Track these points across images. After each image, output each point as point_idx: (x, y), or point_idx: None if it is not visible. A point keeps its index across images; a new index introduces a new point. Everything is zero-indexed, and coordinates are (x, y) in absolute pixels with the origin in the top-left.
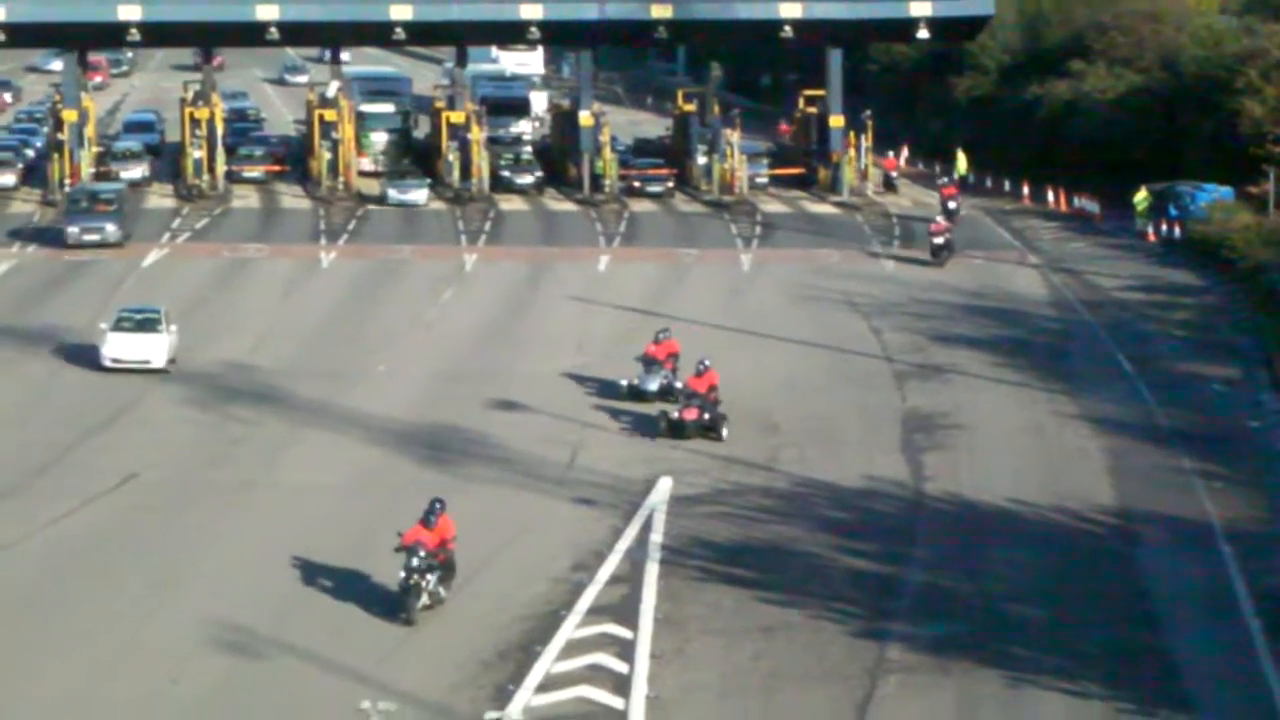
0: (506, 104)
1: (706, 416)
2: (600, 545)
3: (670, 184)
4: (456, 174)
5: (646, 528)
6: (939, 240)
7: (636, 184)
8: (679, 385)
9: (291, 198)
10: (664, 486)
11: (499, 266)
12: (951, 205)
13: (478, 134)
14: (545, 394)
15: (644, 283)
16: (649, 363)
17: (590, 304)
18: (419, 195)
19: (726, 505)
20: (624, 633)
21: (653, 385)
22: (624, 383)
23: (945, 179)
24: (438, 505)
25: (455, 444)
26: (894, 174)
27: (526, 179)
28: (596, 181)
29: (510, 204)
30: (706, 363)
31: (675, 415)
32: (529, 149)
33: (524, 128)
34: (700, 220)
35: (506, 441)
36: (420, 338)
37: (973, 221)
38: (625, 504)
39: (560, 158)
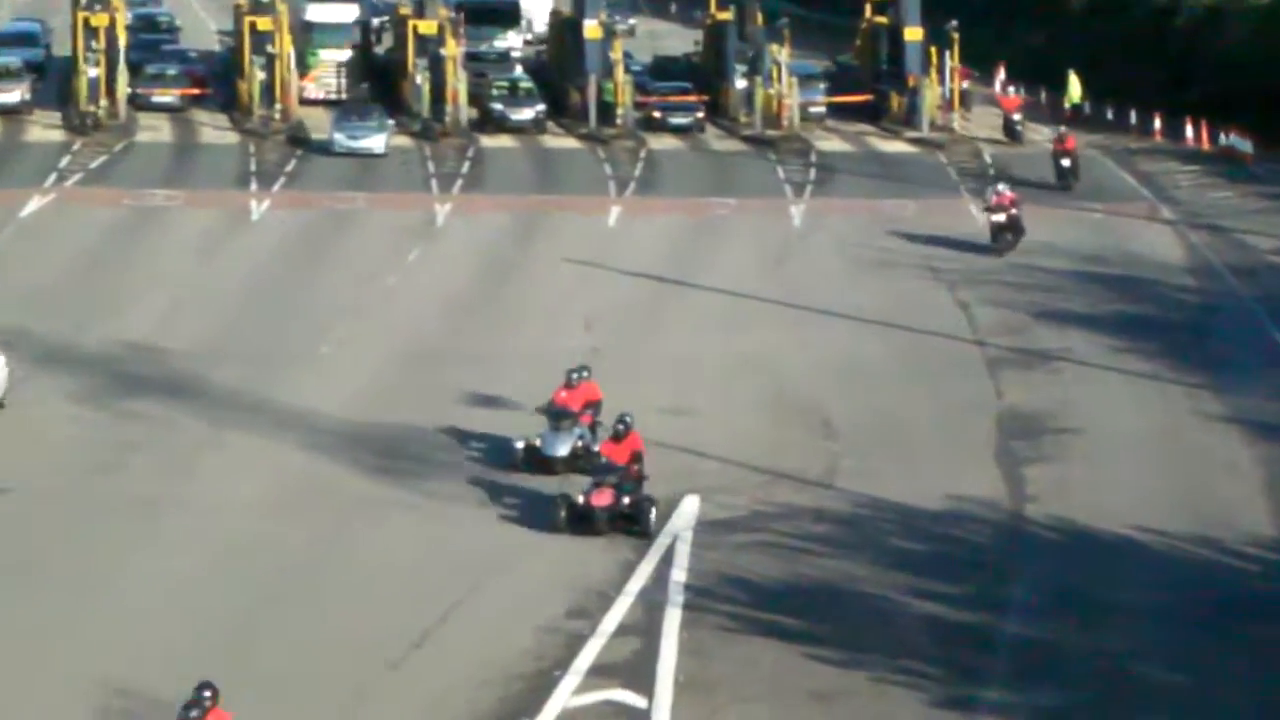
0: (491, 11)
1: (625, 501)
2: (605, 585)
3: (700, 115)
4: (426, 101)
5: (666, 562)
6: (999, 218)
7: (657, 115)
8: (596, 449)
9: (214, 130)
10: (688, 508)
11: (480, 220)
12: (1016, 119)
13: (454, 49)
14: (539, 385)
15: (665, 241)
16: (557, 414)
17: (597, 268)
18: (376, 142)
19: (768, 533)
20: (636, 700)
21: (561, 449)
22: (519, 444)
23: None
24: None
25: (420, 450)
26: (1017, 117)
27: (525, 114)
28: (606, 111)
29: (494, 140)
30: (629, 419)
31: (581, 500)
32: (527, 77)
33: (513, 42)
34: (738, 161)
35: (486, 447)
36: (377, 312)
37: (1089, 163)
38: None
39: (560, 81)
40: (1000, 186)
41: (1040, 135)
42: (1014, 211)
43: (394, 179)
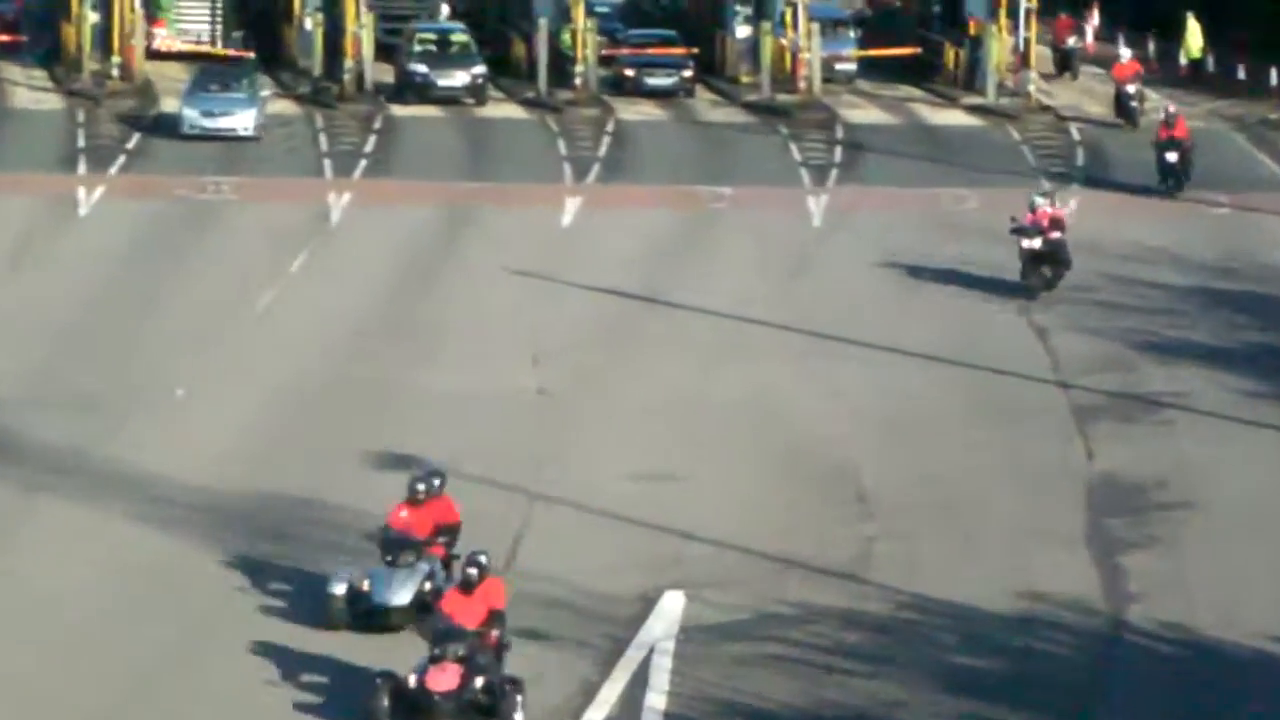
0: None
1: (478, 683)
2: (558, 715)
3: (688, 73)
4: (319, 54)
5: (639, 682)
6: (1033, 244)
7: (629, 73)
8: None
9: (30, 92)
10: (670, 608)
11: (389, 216)
12: (1130, 91)
13: None
14: (469, 441)
15: (639, 245)
16: (395, 543)
17: (547, 282)
18: (242, 120)
19: (778, 642)
20: None
21: (400, 594)
22: (337, 586)
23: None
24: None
25: (303, 528)
26: (1131, 89)
27: (457, 78)
28: (562, 69)
29: (412, 108)
30: (483, 560)
31: (414, 681)
32: (459, 26)
33: None
34: (739, 136)
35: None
36: (249, 340)
37: (1211, 140)
38: (604, 639)
39: (499, 28)
40: (1039, 198)
41: (1150, 106)
42: (1055, 235)
43: (274, 160)
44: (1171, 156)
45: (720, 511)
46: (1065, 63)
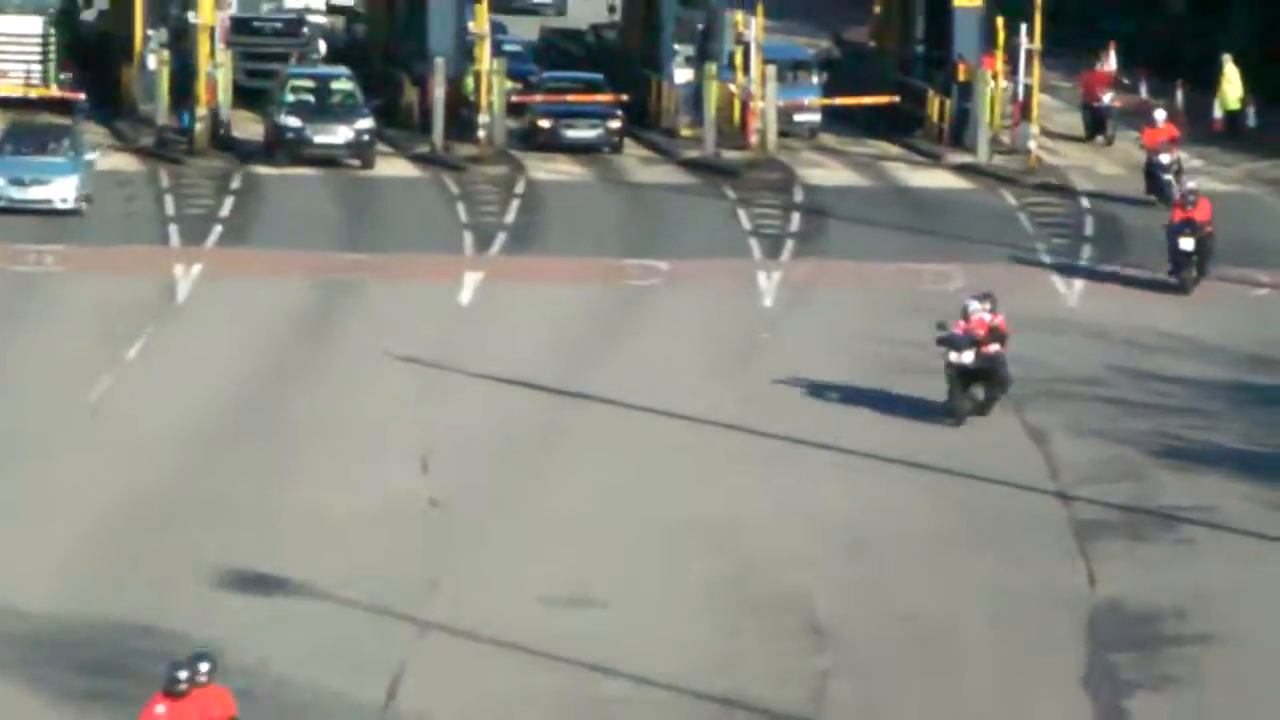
0: None
1: None
2: None
3: (616, 125)
4: (164, 99)
5: None
6: (963, 359)
7: (545, 124)
8: None
9: None
10: None
11: (249, 289)
12: (1164, 161)
13: (209, 17)
14: (345, 556)
15: (555, 328)
16: None
17: (442, 370)
18: (60, 189)
19: None
20: None
21: None
22: None
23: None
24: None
25: (139, 661)
26: (1165, 159)
27: (337, 134)
28: (459, 117)
29: (275, 166)
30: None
31: None
32: (345, 72)
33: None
34: (677, 200)
35: (255, 659)
36: (77, 439)
37: (1248, 207)
38: None
39: (386, 70)
40: (974, 303)
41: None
42: (992, 349)
43: (106, 225)
44: (1187, 244)
45: (648, 645)
46: (1099, 125)
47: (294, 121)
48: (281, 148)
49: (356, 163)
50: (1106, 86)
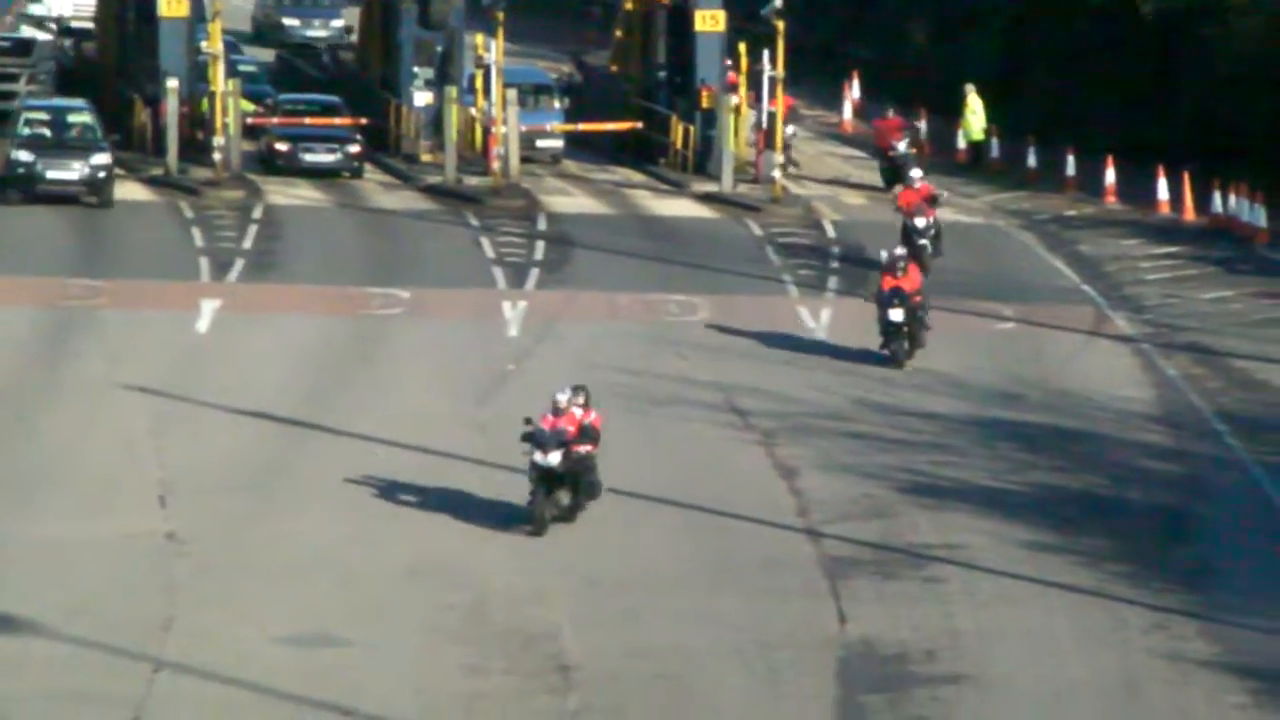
0: None
1: None
2: None
3: (355, 150)
4: None
5: None
6: (550, 461)
7: (282, 147)
8: None
9: None
10: None
11: None
12: (920, 225)
13: None
14: (76, 592)
15: (293, 358)
16: None
17: (179, 401)
18: None
19: None
20: None
21: None
22: None
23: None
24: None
25: None
26: (925, 225)
27: (73, 170)
28: (194, 140)
29: (6, 203)
30: None
31: None
32: (82, 104)
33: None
34: (418, 227)
35: None
36: None
37: (994, 240)
38: None
39: (113, 87)
40: (562, 396)
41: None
42: (583, 450)
43: None
44: (896, 314)
45: (389, 682)
46: (895, 174)
47: (25, 156)
48: (12, 184)
49: (93, 200)
50: (900, 133)
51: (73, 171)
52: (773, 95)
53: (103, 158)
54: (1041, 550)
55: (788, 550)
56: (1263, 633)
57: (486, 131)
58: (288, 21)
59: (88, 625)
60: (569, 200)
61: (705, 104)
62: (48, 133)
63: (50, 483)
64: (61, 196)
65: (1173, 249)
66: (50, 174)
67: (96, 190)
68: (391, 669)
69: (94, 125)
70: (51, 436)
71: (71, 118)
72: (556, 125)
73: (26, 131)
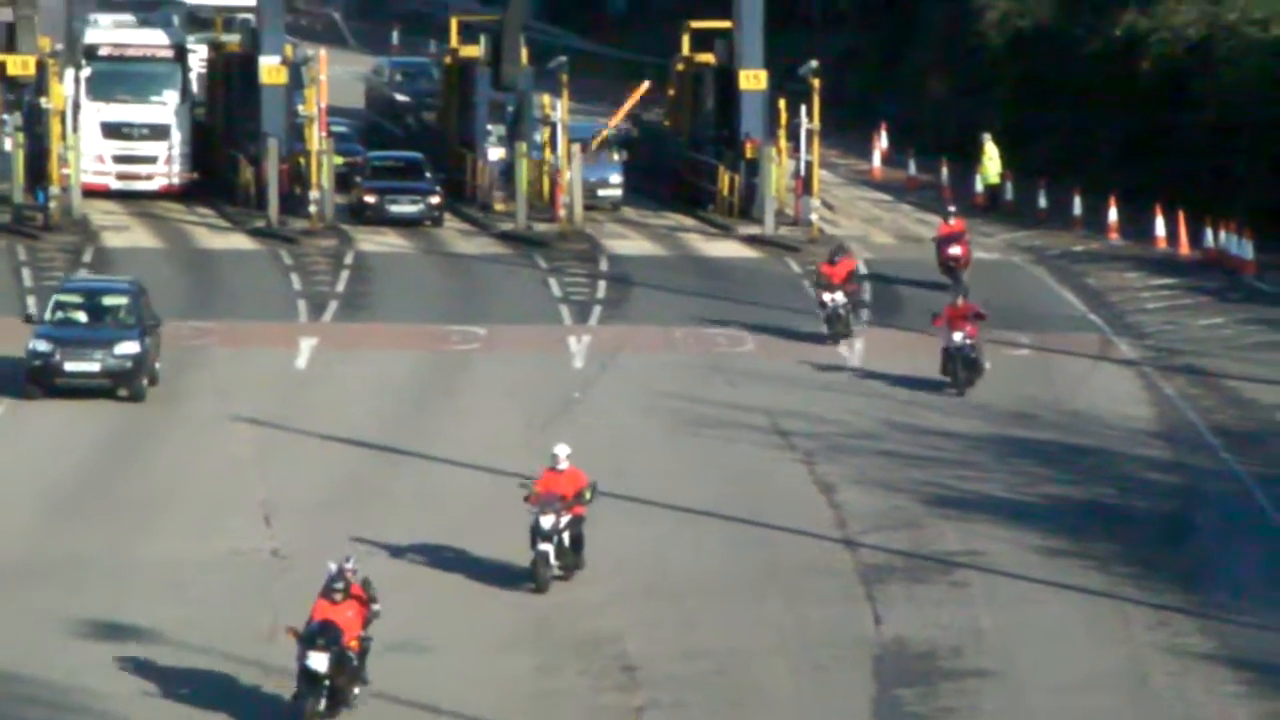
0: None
1: None
2: None
3: (436, 200)
4: (19, 182)
5: None
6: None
7: (371, 199)
8: None
9: None
10: None
11: None
12: (954, 252)
13: (59, 101)
14: (193, 606)
15: (382, 390)
16: None
17: (281, 431)
18: None
19: None
20: None
21: None
22: None
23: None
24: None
25: (9, 706)
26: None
27: (96, 360)
28: (294, 195)
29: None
30: None
31: None
32: (123, 289)
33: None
34: (493, 269)
35: (123, 702)
36: None
37: (1009, 274)
38: None
39: (222, 146)
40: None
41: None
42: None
43: None
44: (829, 297)
45: (470, 682)
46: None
47: (44, 346)
48: (31, 377)
49: (124, 394)
50: (959, 241)
51: (94, 363)
52: (809, 146)
53: (130, 346)
54: (1055, 555)
55: (827, 559)
56: (1255, 628)
57: (553, 182)
58: (399, 97)
59: (201, 635)
60: (628, 243)
61: (749, 155)
62: (80, 317)
63: (167, 506)
64: (85, 390)
65: (1170, 280)
66: (69, 365)
67: (125, 382)
68: (471, 671)
69: (133, 307)
70: (167, 463)
71: (108, 300)
72: (618, 176)
73: (57, 315)
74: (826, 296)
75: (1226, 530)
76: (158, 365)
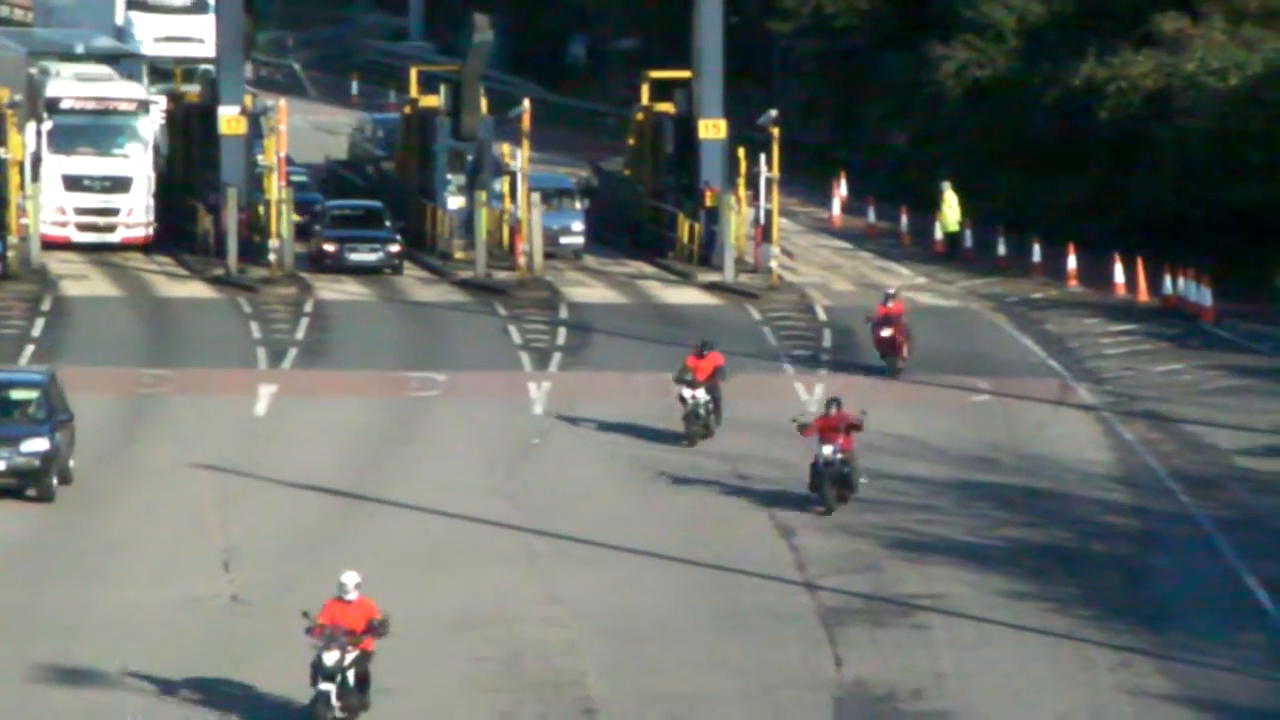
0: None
1: None
2: None
3: (395, 248)
4: None
5: None
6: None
7: (330, 248)
8: None
9: None
10: None
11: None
12: (885, 335)
13: (18, 152)
14: (150, 651)
15: (340, 437)
16: None
17: (240, 477)
18: None
19: None
20: None
21: None
22: None
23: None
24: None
25: None
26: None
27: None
28: (253, 243)
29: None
30: None
31: None
32: (34, 381)
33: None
34: (452, 317)
35: None
36: None
37: (969, 321)
38: None
39: (181, 195)
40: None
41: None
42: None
43: None
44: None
45: None
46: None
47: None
48: None
49: (32, 494)
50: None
51: None
52: (769, 194)
53: (39, 443)
54: (1016, 598)
55: (788, 602)
56: (1215, 669)
57: (513, 231)
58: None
59: (159, 679)
60: (588, 290)
61: (709, 203)
62: None
63: (125, 552)
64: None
65: (1129, 327)
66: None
67: (33, 481)
68: (433, 715)
69: (43, 401)
70: (126, 510)
71: (15, 394)
72: (578, 225)
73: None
74: (687, 393)
75: (1185, 573)
76: (71, 463)
